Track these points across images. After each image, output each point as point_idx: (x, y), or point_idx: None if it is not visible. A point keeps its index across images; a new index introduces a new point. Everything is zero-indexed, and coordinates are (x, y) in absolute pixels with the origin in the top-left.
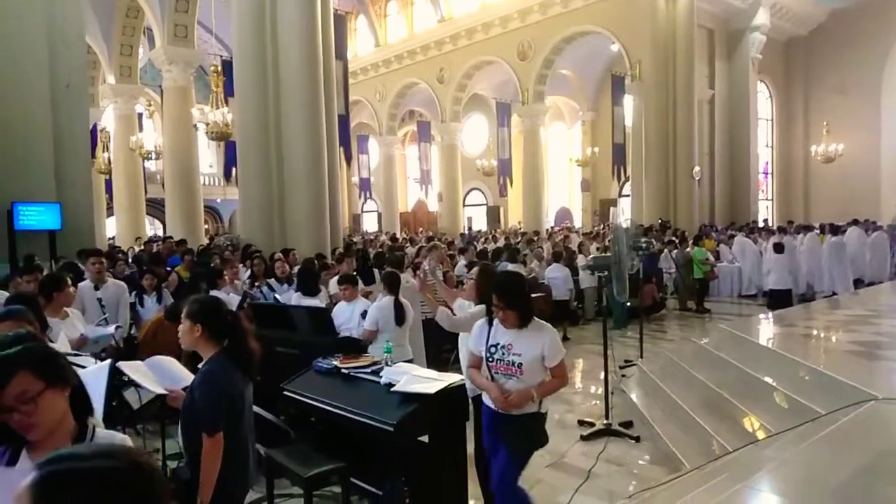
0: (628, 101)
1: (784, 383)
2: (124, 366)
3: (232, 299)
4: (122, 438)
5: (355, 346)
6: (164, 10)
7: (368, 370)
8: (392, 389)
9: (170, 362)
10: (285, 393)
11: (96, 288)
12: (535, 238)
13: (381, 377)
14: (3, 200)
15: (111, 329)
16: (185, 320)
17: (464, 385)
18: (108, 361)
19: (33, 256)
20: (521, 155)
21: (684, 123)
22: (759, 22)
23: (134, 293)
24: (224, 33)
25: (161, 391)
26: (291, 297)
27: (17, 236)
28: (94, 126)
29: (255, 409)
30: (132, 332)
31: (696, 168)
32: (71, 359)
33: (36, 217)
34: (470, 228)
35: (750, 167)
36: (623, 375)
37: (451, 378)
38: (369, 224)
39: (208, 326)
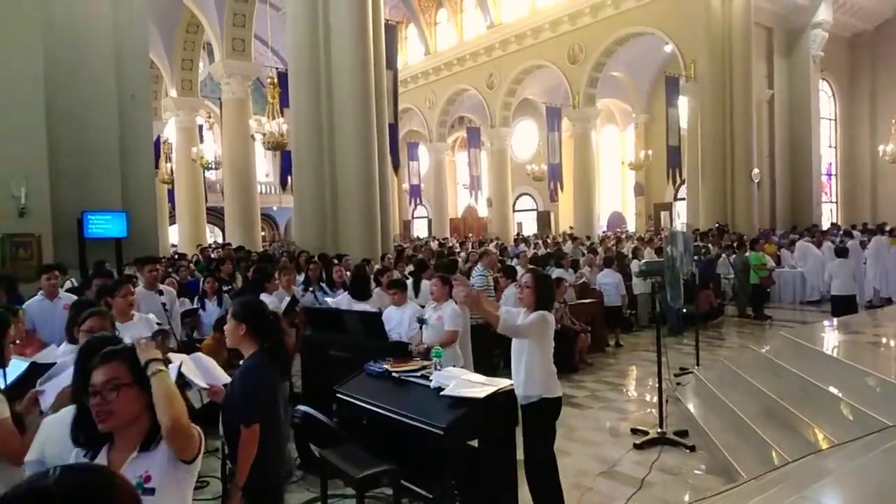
0: (683, 103)
1: (849, 393)
2: (174, 357)
3: (281, 302)
4: None
5: (405, 351)
6: (222, 24)
7: (418, 374)
8: (442, 393)
9: (208, 360)
10: (338, 395)
11: (160, 293)
12: (582, 239)
13: (430, 381)
14: (74, 210)
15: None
16: (230, 319)
17: (513, 390)
18: (176, 364)
19: (104, 262)
20: (571, 159)
21: (742, 124)
22: (821, 18)
23: (196, 297)
24: (280, 46)
25: (204, 385)
26: (342, 301)
27: (86, 244)
28: (158, 138)
29: (308, 409)
30: (194, 335)
31: (755, 170)
32: None
33: (104, 225)
34: (519, 234)
35: (812, 168)
36: (678, 384)
37: (500, 383)
38: (419, 230)
39: (250, 325)
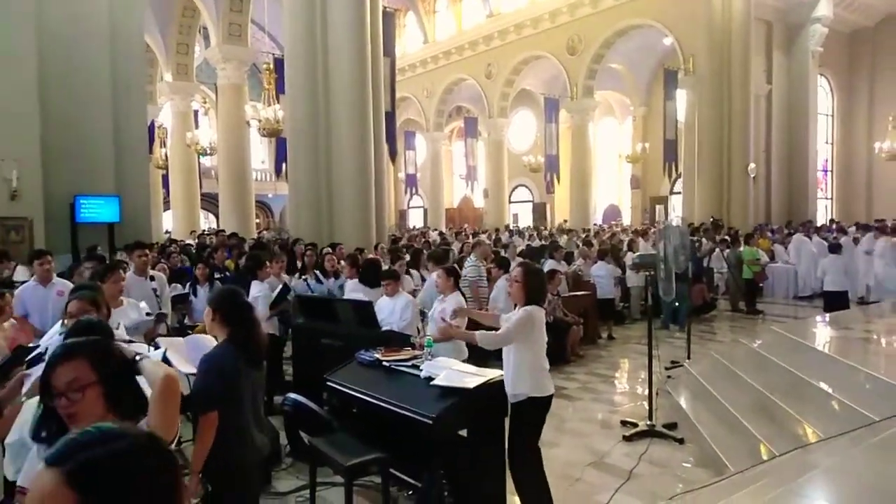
0: (681, 96)
1: (838, 388)
2: (163, 341)
3: (273, 290)
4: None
5: (398, 340)
6: (219, 9)
7: (409, 363)
8: (432, 383)
9: (207, 339)
10: (328, 383)
11: (151, 279)
12: (578, 232)
13: (421, 370)
14: (67, 194)
15: (147, 313)
16: (207, 306)
17: (502, 381)
18: (162, 350)
19: (96, 247)
20: (568, 151)
21: (740, 119)
22: (821, 13)
23: (188, 284)
24: (277, 31)
25: (192, 370)
26: (347, 284)
27: (78, 229)
28: (152, 123)
29: (298, 397)
30: (185, 321)
31: (752, 165)
32: (125, 346)
33: (96, 210)
34: (507, 226)
35: (808, 164)
36: (669, 377)
37: (490, 373)
38: (415, 220)
39: (220, 312)
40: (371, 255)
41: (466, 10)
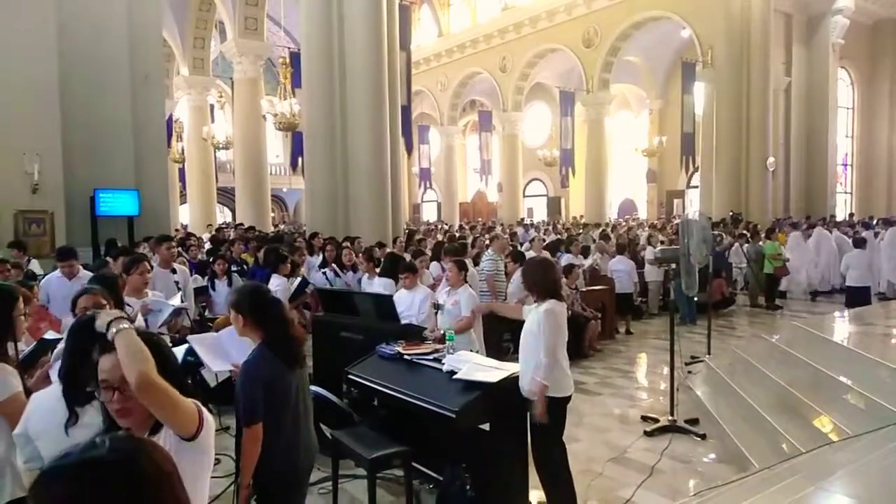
0: (699, 89)
1: (862, 384)
2: (193, 339)
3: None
4: None
5: (417, 334)
6: (235, 3)
7: (431, 357)
8: (454, 377)
9: (236, 336)
10: (349, 376)
11: (173, 271)
12: (592, 226)
13: (443, 364)
14: (86, 188)
15: (175, 302)
16: (231, 311)
17: None
18: (186, 345)
19: (115, 241)
20: (584, 145)
21: (758, 112)
22: (843, 4)
23: (206, 277)
24: (292, 26)
25: (224, 367)
26: (375, 282)
27: (98, 222)
28: (170, 117)
29: (319, 390)
30: (206, 314)
31: (771, 159)
32: None
33: (115, 203)
34: (521, 219)
35: (828, 158)
36: (689, 372)
37: (512, 367)
38: (429, 214)
39: (249, 316)
40: (390, 250)
41: (481, 3)
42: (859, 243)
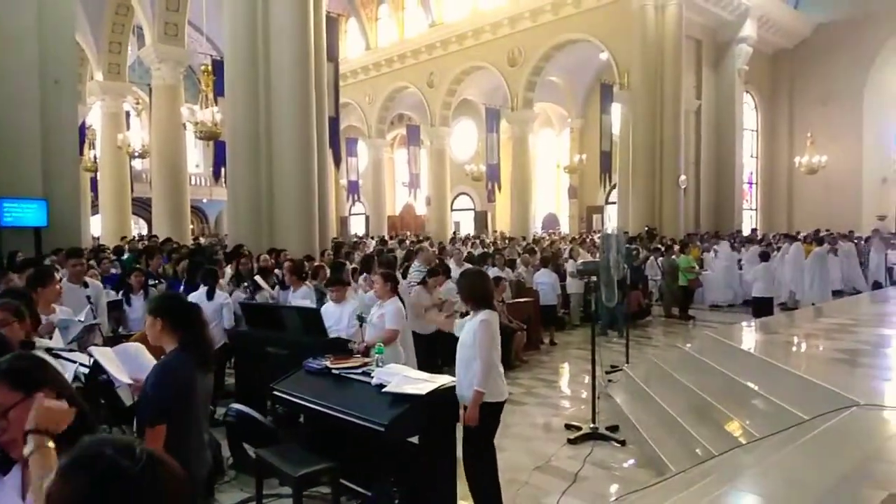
0: (616, 110)
1: (768, 389)
2: (95, 351)
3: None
4: None
5: (345, 348)
6: (154, 8)
7: (359, 371)
8: (383, 390)
9: (137, 349)
10: (275, 392)
11: (85, 285)
12: (519, 240)
13: (372, 378)
14: None
15: (82, 317)
16: (148, 316)
17: (454, 387)
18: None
19: (17, 253)
20: (509, 160)
21: (671, 132)
22: (746, 34)
23: (121, 292)
24: (214, 33)
25: (127, 381)
26: (299, 292)
27: (2, 233)
28: (82, 123)
29: (242, 407)
30: (119, 330)
31: (682, 177)
32: (65, 355)
33: (21, 214)
34: (454, 235)
35: (735, 177)
36: (609, 380)
37: (442, 380)
38: (357, 227)
39: (167, 320)
40: (317, 263)
41: (409, 19)
42: (765, 256)
